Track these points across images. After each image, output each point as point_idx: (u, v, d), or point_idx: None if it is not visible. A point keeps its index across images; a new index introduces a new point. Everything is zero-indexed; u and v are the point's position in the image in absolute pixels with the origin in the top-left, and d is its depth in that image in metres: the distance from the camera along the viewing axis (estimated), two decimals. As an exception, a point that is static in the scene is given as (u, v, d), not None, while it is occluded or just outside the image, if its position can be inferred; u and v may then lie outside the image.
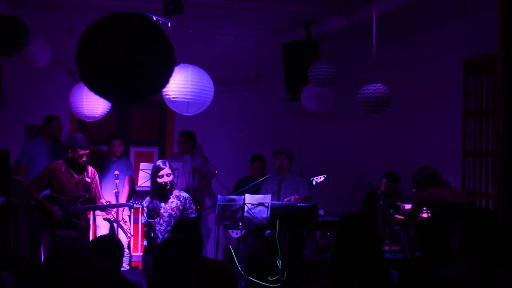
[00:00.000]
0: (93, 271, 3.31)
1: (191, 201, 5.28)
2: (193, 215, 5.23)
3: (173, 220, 5.11)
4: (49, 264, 2.97)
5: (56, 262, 2.95)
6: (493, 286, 2.70)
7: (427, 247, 3.66)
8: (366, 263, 2.42)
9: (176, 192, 5.24)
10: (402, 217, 5.57)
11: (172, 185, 5.21)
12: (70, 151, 5.47)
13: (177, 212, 5.18)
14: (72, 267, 2.95)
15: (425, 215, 5.36)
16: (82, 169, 5.55)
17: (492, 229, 2.82)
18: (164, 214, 5.16)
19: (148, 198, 5.31)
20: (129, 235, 6.59)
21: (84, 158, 5.49)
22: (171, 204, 5.19)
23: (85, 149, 5.46)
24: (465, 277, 2.73)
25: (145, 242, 5.35)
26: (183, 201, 5.22)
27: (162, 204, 5.19)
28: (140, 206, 5.82)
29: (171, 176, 5.17)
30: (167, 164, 5.19)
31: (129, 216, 6.84)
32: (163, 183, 5.12)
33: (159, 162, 5.18)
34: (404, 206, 5.78)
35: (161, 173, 5.12)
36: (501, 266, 2.74)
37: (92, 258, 3.47)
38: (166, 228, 5.16)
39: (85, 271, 3.01)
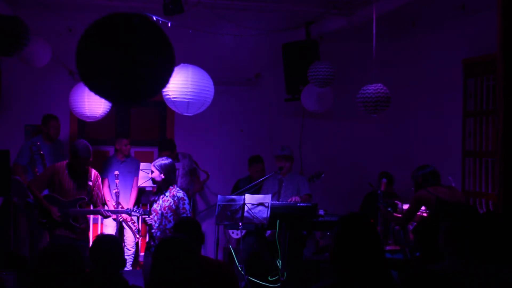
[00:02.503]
0: (90, 271, 3.32)
1: (185, 202, 5.08)
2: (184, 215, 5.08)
3: (164, 220, 5.04)
4: (43, 262, 2.96)
5: (50, 261, 2.94)
6: (486, 283, 2.71)
7: (426, 247, 3.66)
8: (366, 263, 2.42)
9: (174, 191, 5.11)
10: (399, 216, 5.56)
11: (159, 182, 5.15)
12: (71, 154, 5.50)
13: (169, 212, 5.04)
14: (67, 265, 2.94)
15: (424, 214, 5.35)
16: (83, 174, 5.55)
17: (476, 227, 2.84)
18: (159, 211, 5.08)
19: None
20: (137, 235, 6.59)
21: (86, 167, 5.50)
22: (165, 203, 5.07)
23: (85, 159, 5.45)
24: (468, 278, 2.74)
25: (147, 238, 5.38)
26: (176, 201, 5.06)
27: (160, 200, 5.14)
28: (138, 215, 5.78)
29: (154, 173, 5.14)
30: (154, 162, 5.22)
31: (138, 217, 6.84)
32: None
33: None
34: (402, 205, 5.77)
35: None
36: (494, 263, 2.75)
37: (91, 258, 3.48)
38: (159, 226, 5.06)
39: (82, 270, 3.01)
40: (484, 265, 2.75)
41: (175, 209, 5.05)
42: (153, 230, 5.09)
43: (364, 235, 2.46)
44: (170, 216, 5.04)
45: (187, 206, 5.09)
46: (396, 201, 5.91)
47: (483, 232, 2.82)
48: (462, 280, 2.72)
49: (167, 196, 5.10)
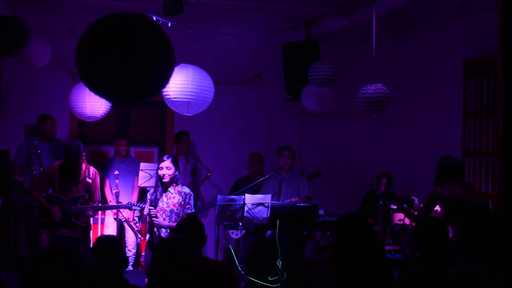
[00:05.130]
0: (91, 271, 3.31)
1: (191, 197, 5.33)
2: (189, 211, 5.30)
3: (174, 216, 5.21)
4: (42, 262, 2.95)
5: (50, 261, 2.93)
6: (496, 286, 2.70)
7: (426, 248, 3.66)
8: (365, 263, 2.42)
9: (179, 188, 5.30)
10: (415, 213, 5.45)
11: (172, 179, 5.26)
12: (64, 156, 5.52)
13: (179, 208, 5.25)
14: (67, 266, 2.93)
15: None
16: (77, 173, 5.57)
17: (492, 228, 2.81)
18: (166, 209, 5.23)
19: (151, 190, 5.39)
20: (139, 236, 6.60)
21: (77, 168, 5.51)
22: (173, 200, 5.25)
23: (76, 160, 5.46)
24: (467, 278, 2.73)
25: (147, 236, 5.39)
26: (183, 196, 5.28)
27: (164, 198, 5.25)
28: (139, 209, 5.83)
29: (171, 170, 5.23)
30: (170, 158, 5.27)
31: (139, 217, 6.86)
32: (161, 175, 5.22)
33: (164, 156, 5.32)
34: (419, 202, 5.65)
35: (161, 165, 5.24)
36: (502, 265, 2.74)
37: (92, 259, 3.48)
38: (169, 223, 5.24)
39: (81, 271, 3.00)
40: (497, 266, 2.73)
41: (183, 204, 5.27)
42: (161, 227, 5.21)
43: (362, 235, 2.47)
44: (180, 211, 5.24)
45: (192, 202, 5.33)
46: (413, 197, 5.80)
47: (498, 233, 2.79)
48: (478, 284, 2.70)
49: (172, 193, 5.25)
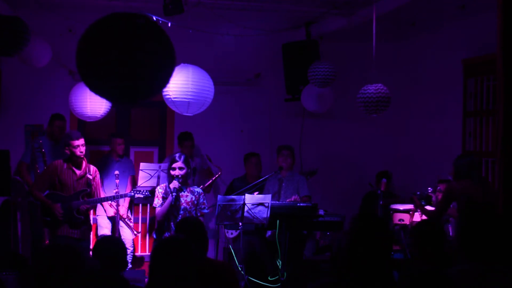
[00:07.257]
0: (90, 271, 3.31)
1: (204, 197, 5.41)
2: (205, 211, 5.38)
3: (187, 214, 5.26)
4: (43, 262, 2.96)
5: (50, 260, 2.93)
6: (496, 286, 2.70)
7: (421, 252, 3.66)
8: (376, 263, 2.39)
9: (190, 187, 5.37)
10: (433, 209, 5.43)
11: (186, 179, 5.31)
12: (66, 147, 5.52)
13: (192, 206, 5.29)
14: (67, 265, 2.94)
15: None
16: (81, 164, 5.58)
17: (492, 228, 2.81)
18: (179, 207, 5.27)
19: (163, 185, 5.40)
20: (134, 232, 6.62)
21: (81, 149, 5.52)
22: (186, 198, 5.29)
23: (78, 139, 5.49)
24: (467, 278, 2.73)
25: (154, 235, 5.41)
26: (197, 195, 5.34)
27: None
28: (142, 196, 5.87)
29: (184, 171, 5.26)
30: (182, 158, 5.30)
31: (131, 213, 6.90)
32: (174, 175, 5.23)
33: (176, 155, 5.33)
34: (438, 196, 5.63)
35: (174, 165, 5.25)
36: (502, 265, 2.74)
37: (92, 259, 3.48)
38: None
39: (82, 270, 3.01)
40: (497, 266, 2.73)
41: (196, 204, 5.32)
42: (171, 224, 5.23)
43: (379, 235, 2.43)
44: (193, 210, 5.30)
45: (205, 201, 5.42)
46: (430, 193, 5.78)
47: (498, 233, 2.79)
48: (478, 284, 2.69)
49: (184, 192, 5.31)
